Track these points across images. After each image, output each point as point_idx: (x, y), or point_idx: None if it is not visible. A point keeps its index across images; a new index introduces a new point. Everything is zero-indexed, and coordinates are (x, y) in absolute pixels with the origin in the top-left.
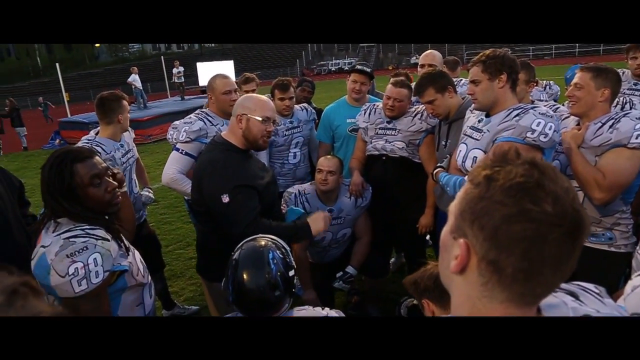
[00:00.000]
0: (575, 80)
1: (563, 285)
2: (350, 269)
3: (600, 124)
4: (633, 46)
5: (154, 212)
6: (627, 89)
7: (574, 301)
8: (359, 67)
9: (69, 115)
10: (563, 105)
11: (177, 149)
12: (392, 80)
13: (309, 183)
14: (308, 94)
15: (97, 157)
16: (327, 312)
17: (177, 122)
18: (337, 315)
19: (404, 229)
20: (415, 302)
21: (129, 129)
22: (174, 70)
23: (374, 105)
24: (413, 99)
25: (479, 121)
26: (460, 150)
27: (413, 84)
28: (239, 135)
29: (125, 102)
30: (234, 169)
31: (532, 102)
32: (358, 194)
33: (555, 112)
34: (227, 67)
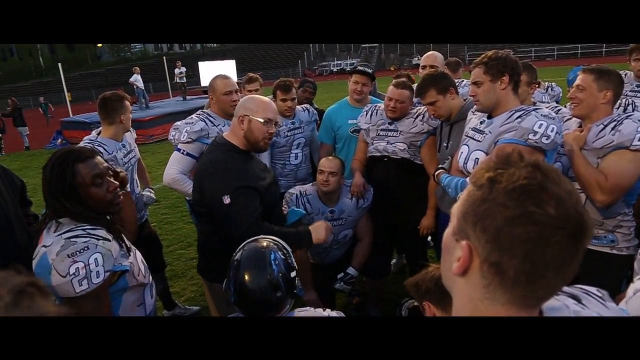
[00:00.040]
0: (577, 82)
1: (565, 289)
2: (351, 270)
3: (602, 126)
4: (637, 47)
5: (155, 212)
6: (630, 91)
7: (576, 304)
8: (360, 67)
9: (71, 115)
10: (565, 107)
11: (179, 150)
12: (393, 81)
13: (310, 184)
14: (309, 94)
15: (98, 157)
16: (328, 313)
17: (178, 123)
18: (338, 316)
19: (405, 230)
20: (416, 303)
21: (131, 129)
22: (176, 71)
23: (376, 106)
24: (415, 100)
25: (481, 123)
26: (462, 152)
27: (415, 85)
28: (240, 136)
29: (127, 103)
30: (236, 170)
31: (534, 103)
32: (359, 195)
33: (557, 113)
34: (229, 67)
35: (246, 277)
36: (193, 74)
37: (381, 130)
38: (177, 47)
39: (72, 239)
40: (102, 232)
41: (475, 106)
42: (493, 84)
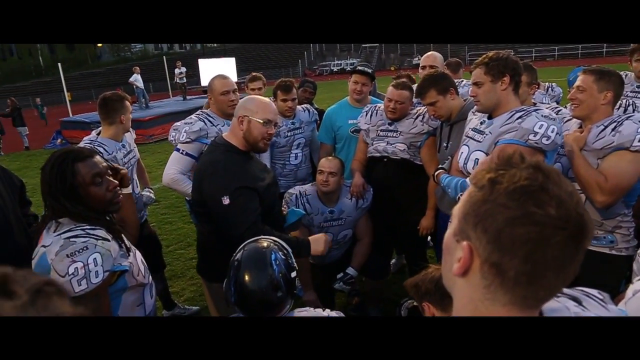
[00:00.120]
0: (577, 82)
1: (566, 290)
2: (350, 270)
3: (602, 127)
4: (637, 48)
5: (155, 212)
6: (630, 92)
7: (577, 306)
8: (360, 67)
9: (71, 115)
10: (565, 107)
11: (178, 150)
12: (393, 82)
13: (310, 184)
14: (310, 94)
15: (97, 157)
16: (327, 313)
17: (178, 123)
18: (337, 316)
19: (405, 230)
20: (415, 303)
21: (130, 129)
22: (176, 71)
23: (376, 106)
24: (414, 100)
25: (481, 123)
26: (462, 152)
27: (415, 86)
28: (239, 136)
29: (127, 103)
30: (235, 171)
31: (535, 104)
32: (359, 195)
33: (557, 114)
34: (228, 64)
35: (247, 277)
36: (193, 74)
37: (381, 130)
38: (177, 47)
39: (71, 239)
40: (102, 232)
41: (475, 107)
42: (494, 84)
